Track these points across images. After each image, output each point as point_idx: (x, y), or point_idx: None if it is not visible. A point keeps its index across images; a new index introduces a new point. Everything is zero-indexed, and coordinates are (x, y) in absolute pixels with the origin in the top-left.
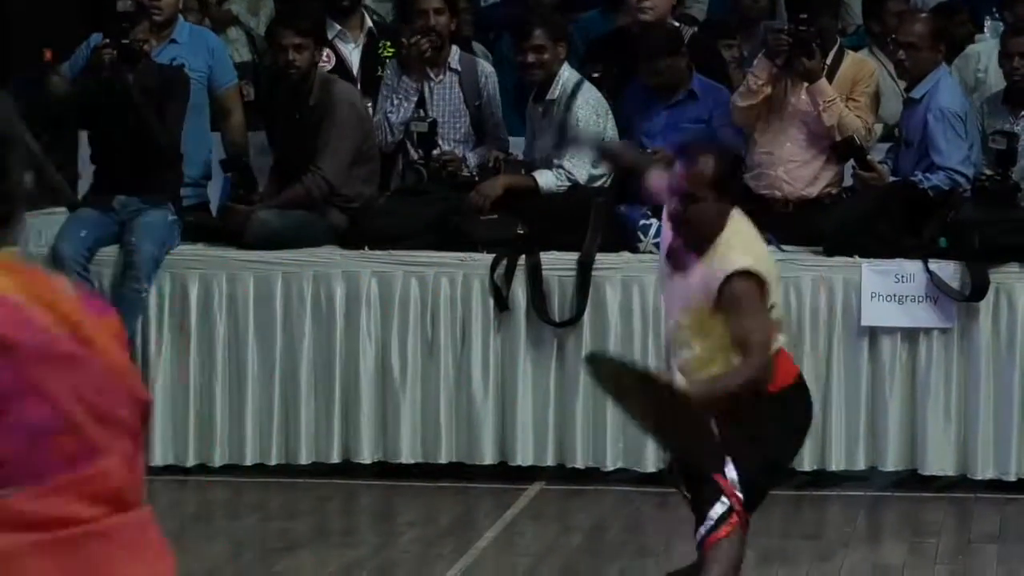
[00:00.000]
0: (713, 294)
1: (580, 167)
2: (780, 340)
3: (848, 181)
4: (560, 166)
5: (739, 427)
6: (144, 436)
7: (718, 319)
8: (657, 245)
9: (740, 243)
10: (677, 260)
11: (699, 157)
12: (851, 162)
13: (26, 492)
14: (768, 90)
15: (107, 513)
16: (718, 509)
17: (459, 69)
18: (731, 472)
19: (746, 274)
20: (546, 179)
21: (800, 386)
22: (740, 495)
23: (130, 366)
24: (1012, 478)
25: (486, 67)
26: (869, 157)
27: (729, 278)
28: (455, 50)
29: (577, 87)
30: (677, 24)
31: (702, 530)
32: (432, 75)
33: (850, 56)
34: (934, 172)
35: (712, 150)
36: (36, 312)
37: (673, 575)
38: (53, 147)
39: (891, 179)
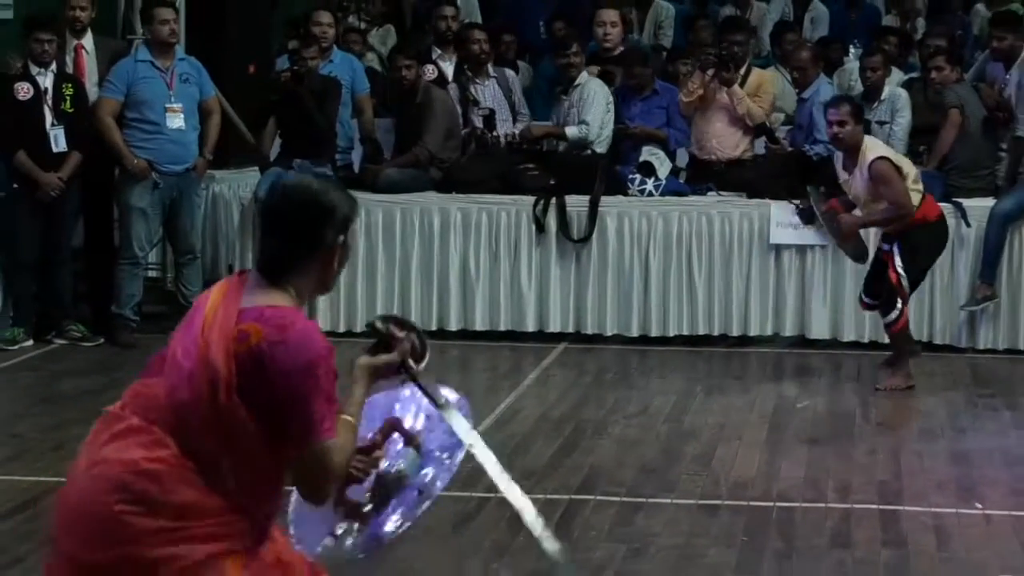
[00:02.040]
0: (867, 180)
1: (593, 126)
2: (919, 189)
3: (760, 149)
4: (583, 121)
5: (906, 243)
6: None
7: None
8: (641, 191)
9: (872, 146)
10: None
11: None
12: (764, 138)
13: (138, 381)
14: (702, 91)
15: (132, 413)
16: (898, 307)
17: (496, 75)
18: (903, 279)
19: (880, 159)
20: (572, 131)
21: (941, 220)
22: (907, 291)
23: (211, 325)
24: (866, 340)
25: (511, 73)
26: (776, 135)
27: (871, 164)
28: (490, 66)
29: (590, 82)
30: (649, 48)
31: (889, 318)
32: (479, 82)
33: (755, 71)
34: (816, 144)
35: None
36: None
37: (885, 364)
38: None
39: (789, 149)
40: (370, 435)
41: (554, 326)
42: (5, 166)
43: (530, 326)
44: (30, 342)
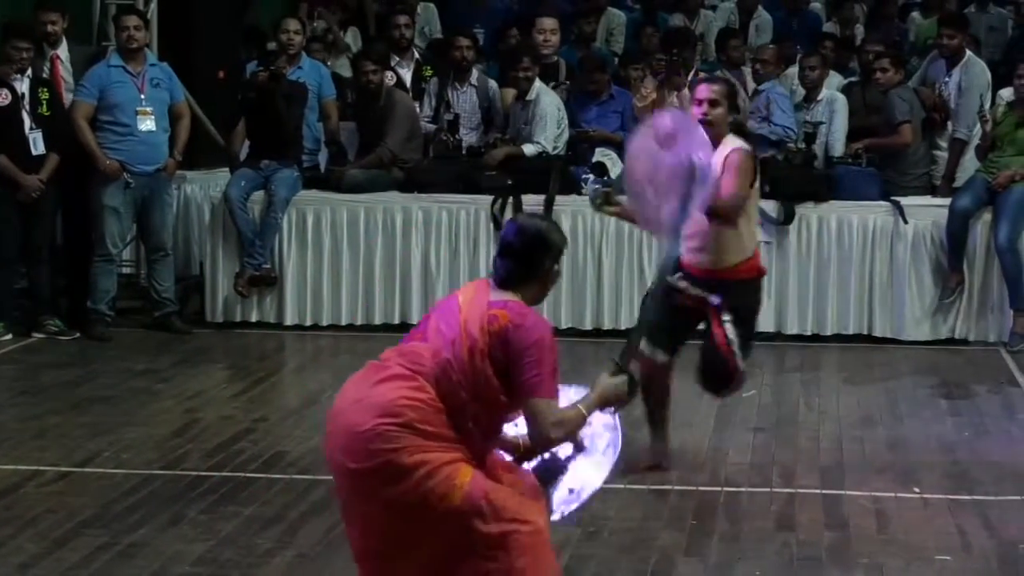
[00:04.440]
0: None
1: (547, 142)
2: (756, 237)
3: None
4: (537, 142)
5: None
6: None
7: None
8: (594, 191)
9: (737, 140)
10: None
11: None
12: None
13: (400, 344)
14: (655, 95)
15: (397, 364)
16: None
17: (476, 85)
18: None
19: (745, 151)
20: (529, 149)
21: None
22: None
23: (469, 307)
24: (808, 332)
25: (494, 84)
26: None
27: (732, 151)
28: (475, 72)
29: (541, 97)
30: (608, 54)
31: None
32: (458, 87)
33: (701, 75)
34: (771, 126)
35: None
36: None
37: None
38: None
39: None
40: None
41: None
42: None
43: None
44: (9, 336)
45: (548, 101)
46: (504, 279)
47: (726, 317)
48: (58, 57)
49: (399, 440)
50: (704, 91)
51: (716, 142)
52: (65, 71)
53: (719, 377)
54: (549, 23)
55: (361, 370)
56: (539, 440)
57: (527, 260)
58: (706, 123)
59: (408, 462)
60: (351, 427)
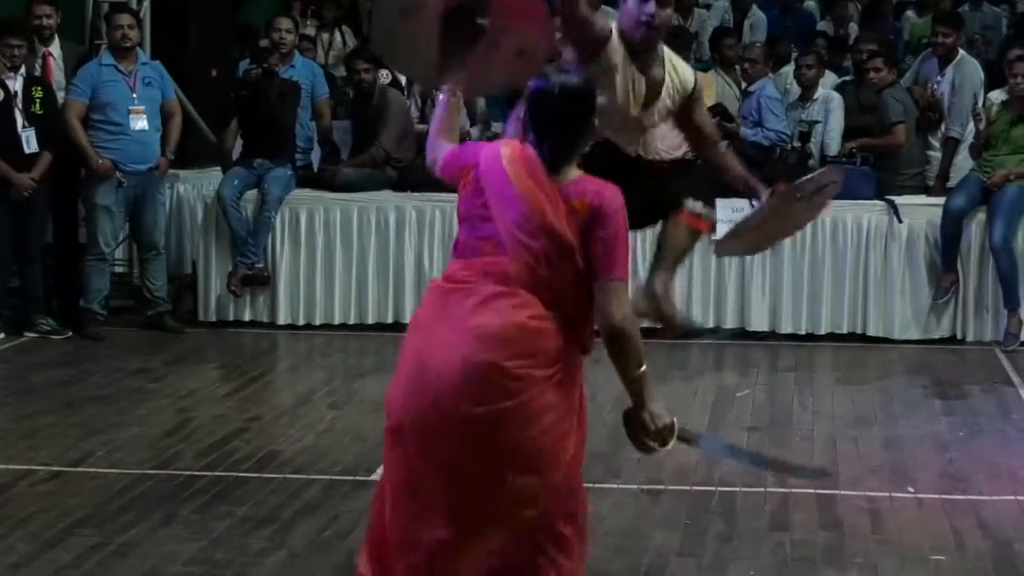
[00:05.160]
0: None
1: None
2: None
3: None
4: None
5: None
6: (549, 249)
7: None
8: None
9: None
10: None
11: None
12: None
13: (455, 261)
14: None
15: (490, 283)
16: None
17: None
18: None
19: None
20: None
21: None
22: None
23: (559, 222)
24: (803, 332)
25: None
26: (729, 112)
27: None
28: None
29: None
30: None
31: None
32: None
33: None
34: (764, 131)
35: None
36: (511, 176)
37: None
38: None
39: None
40: None
41: None
42: None
43: None
44: (1, 335)
45: None
46: (558, 159)
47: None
48: (50, 54)
49: (529, 375)
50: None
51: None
52: (57, 68)
53: None
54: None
55: (432, 298)
56: (607, 324)
57: (580, 130)
58: (651, 28)
59: (537, 406)
60: (468, 367)
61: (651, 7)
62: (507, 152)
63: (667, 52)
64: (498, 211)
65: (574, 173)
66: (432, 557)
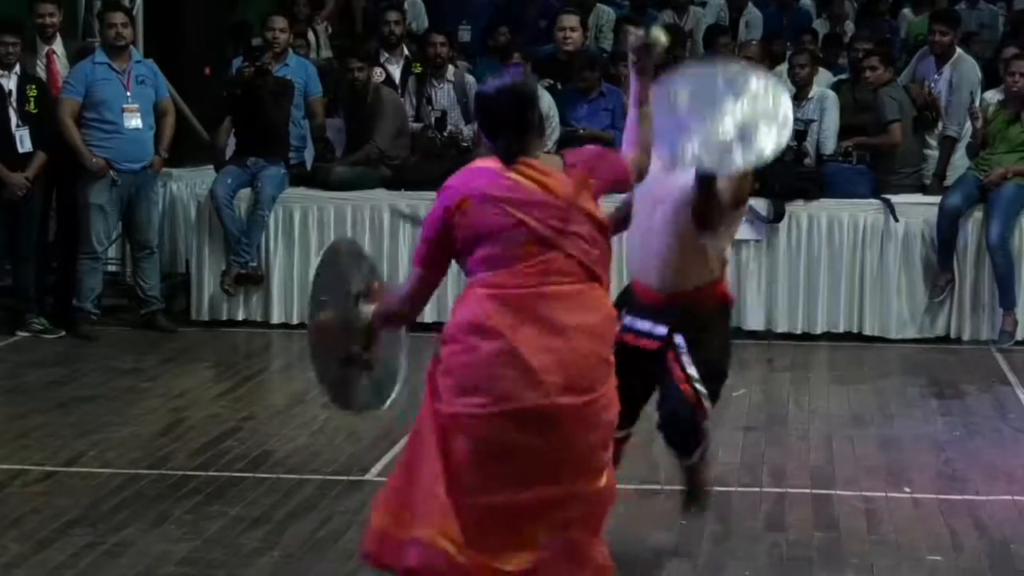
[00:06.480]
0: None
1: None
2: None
3: None
4: None
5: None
6: (600, 239)
7: None
8: None
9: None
10: None
11: None
12: None
13: (497, 273)
14: None
15: (569, 282)
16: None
17: (453, 80)
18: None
19: None
20: None
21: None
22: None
23: (584, 200)
24: (799, 331)
25: (471, 79)
26: None
27: None
28: (451, 68)
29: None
30: (598, 52)
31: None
32: (436, 83)
33: None
34: None
35: None
36: (519, 180)
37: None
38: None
39: None
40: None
41: None
42: None
43: None
44: None
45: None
46: (513, 151)
47: (686, 359)
48: (54, 52)
49: (611, 360)
50: None
51: None
52: (62, 67)
53: (683, 429)
54: (571, 20)
55: (494, 307)
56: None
57: (527, 124)
58: None
59: (612, 388)
60: (577, 361)
61: None
62: (498, 166)
63: None
64: (536, 215)
65: (547, 157)
66: (521, 510)
